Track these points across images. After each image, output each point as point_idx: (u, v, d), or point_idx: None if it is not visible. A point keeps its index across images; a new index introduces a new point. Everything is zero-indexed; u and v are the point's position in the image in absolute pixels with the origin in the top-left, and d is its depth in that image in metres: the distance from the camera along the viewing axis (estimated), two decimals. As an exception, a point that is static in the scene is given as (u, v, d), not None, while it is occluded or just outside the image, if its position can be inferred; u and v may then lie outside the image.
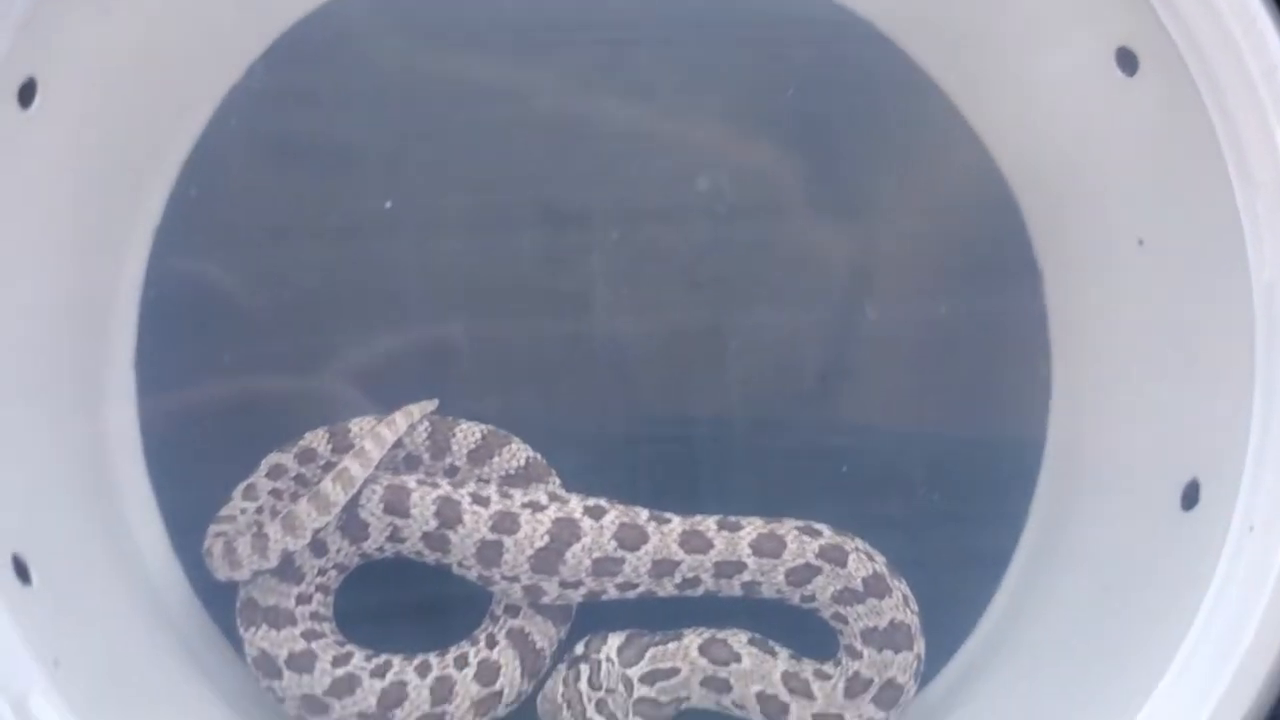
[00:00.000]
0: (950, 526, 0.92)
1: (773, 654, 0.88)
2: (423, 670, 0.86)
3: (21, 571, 0.71)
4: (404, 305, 0.91)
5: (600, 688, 0.86)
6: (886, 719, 0.88)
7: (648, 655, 0.87)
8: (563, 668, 0.87)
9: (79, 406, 0.86)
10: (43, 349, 0.80)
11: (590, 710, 0.85)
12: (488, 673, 0.86)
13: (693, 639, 0.88)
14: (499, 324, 0.92)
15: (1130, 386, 0.85)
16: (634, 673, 0.87)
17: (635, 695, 0.87)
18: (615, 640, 0.88)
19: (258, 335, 0.91)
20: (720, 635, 0.88)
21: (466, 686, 0.85)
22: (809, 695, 0.87)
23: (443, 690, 0.85)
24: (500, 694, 0.86)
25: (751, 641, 0.88)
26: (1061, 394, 0.92)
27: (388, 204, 0.90)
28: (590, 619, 0.89)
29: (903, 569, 0.88)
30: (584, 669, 0.86)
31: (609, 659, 0.87)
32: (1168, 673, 0.73)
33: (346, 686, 0.84)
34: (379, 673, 0.85)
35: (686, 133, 0.92)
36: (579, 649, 0.88)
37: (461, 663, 0.86)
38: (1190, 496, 0.78)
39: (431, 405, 0.90)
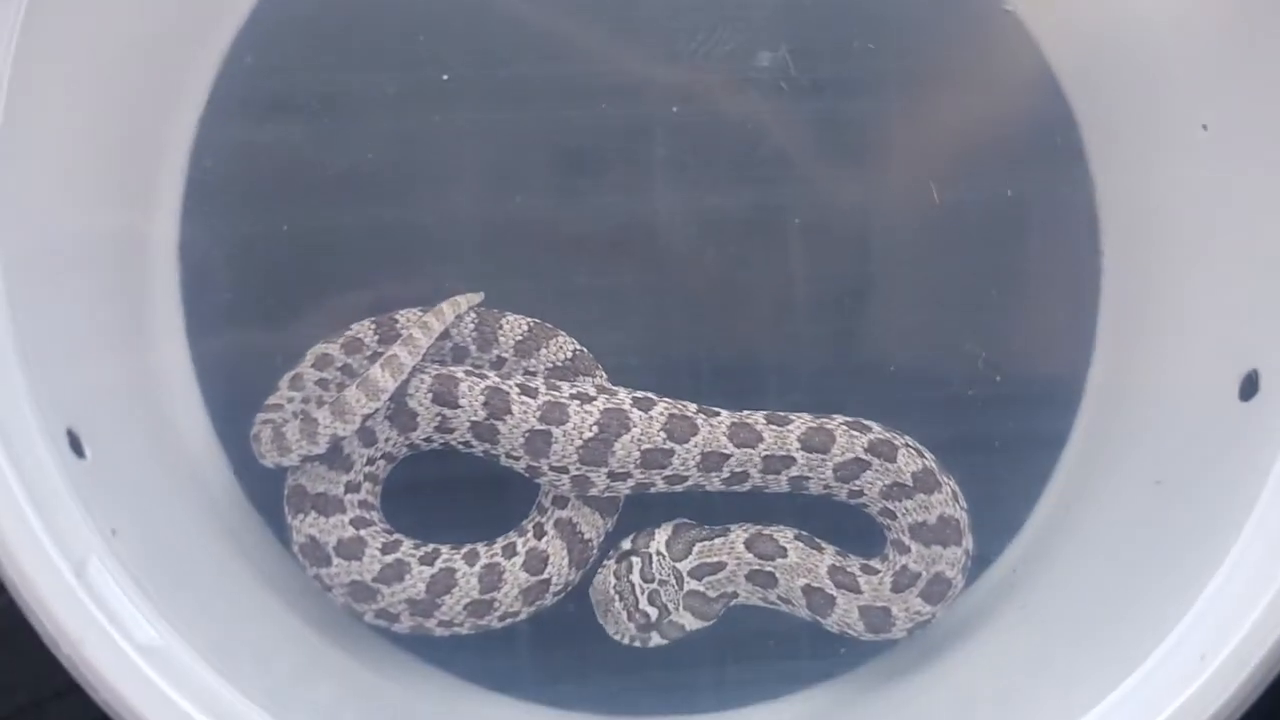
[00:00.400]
0: (1003, 415, 0.91)
1: (819, 549, 0.88)
2: (471, 558, 0.85)
3: (76, 445, 0.71)
4: (458, 181, 0.90)
5: (652, 580, 0.86)
6: (934, 613, 0.87)
7: (695, 549, 0.87)
8: (611, 562, 0.87)
9: (125, 289, 0.85)
10: (91, 224, 0.80)
11: (643, 601, 0.85)
12: (535, 562, 0.85)
13: (739, 534, 0.88)
14: (556, 201, 0.91)
15: (1188, 274, 0.84)
16: (683, 566, 0.87)
17: (686, 589, 0.87)
18: (662, 535, 0.88)
19: (307, 211, 0.90)
20: (766, 530, 0.88)
21: (515, 575, 0.85)
22: (855, 589, 0.87)
23: (491, 578, 0.85)
24: (548, 582, 0.86)
25: (798, 537, 0.88)
26: (1114, 281, 0.91)
27: (445, 76, 0.89)
28: (634, 519, 0.89)
29: (955, 461, 0.87)
30: (635, 561, 0.86)
31: (659, 551, 0.86)
32: (1222, 566, 0.72)
33: (395, 573, 0.84)
34: (428, 560, 0.85)
35: (749, 7, 0.91)
36: (626, 544, 0.87)
37: (510, 552, 0.86)
38: (1249, 387, 0.78)
39: (478, 297, 0.89)
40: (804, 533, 0.88)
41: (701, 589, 0.87)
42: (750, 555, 0.87)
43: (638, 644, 0.86)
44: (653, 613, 0.85)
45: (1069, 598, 0.85)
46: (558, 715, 0.89)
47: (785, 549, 0.87)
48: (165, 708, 0.63)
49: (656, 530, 0.88)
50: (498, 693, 0.89)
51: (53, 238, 0.75)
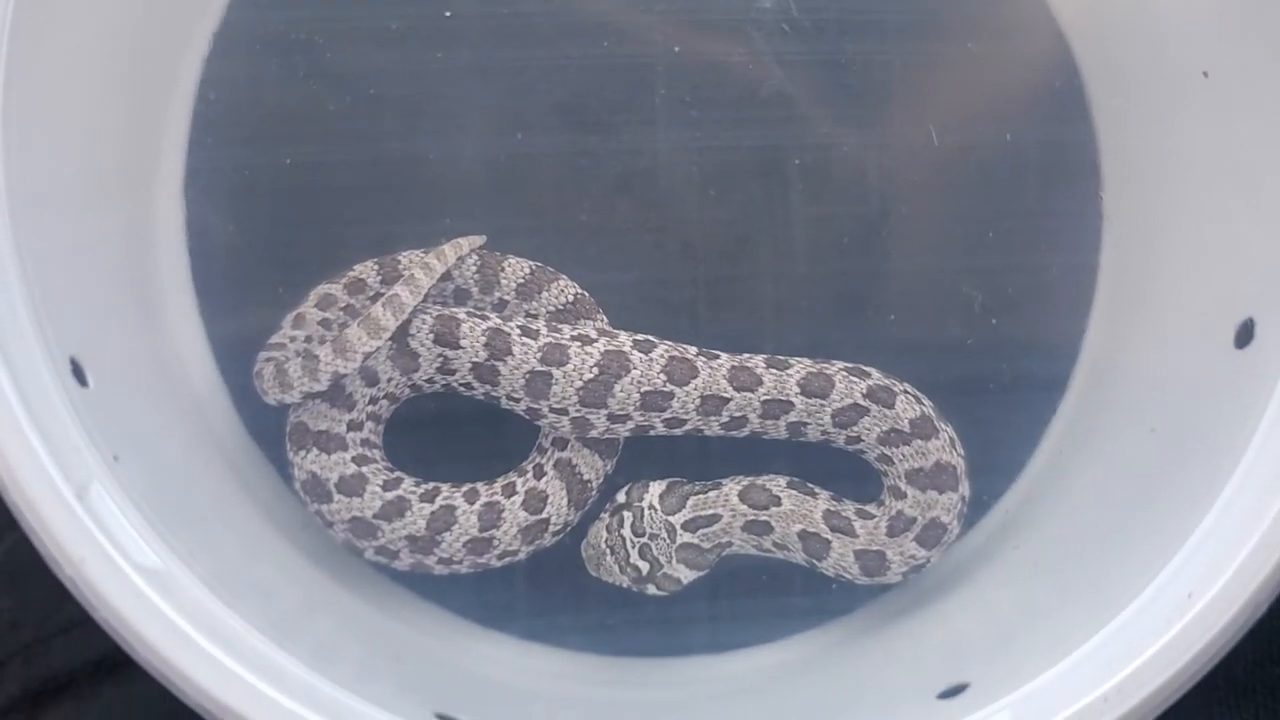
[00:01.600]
0: (1000, 360, 0.92)
1: (813, 495, 0.88)
2: (471, 497, 0.86)
3: (79, 374, 0.71)
4: (460, 118, 0.91)
5: (644, 534, 0.86)
6: (929, 558, 0.88)
7: (689, 503, 0.88)
8: (605, 515, 0.87)
9: (130, 223, 0.86)
10: (97, 155, 0.80)
11: (634, 555, 0.86)
12: (535, 501, 0.86)
13: (732, 487, 0.88)
14: (557, 140, 0.91)
15: (1187, 222, 0.85)
16: (676, 519, 0.87)
17: (679, 541, 0.87)
18: (656, 488, 0.88)
19: (310, 145, 0.90)
20: (759, 481, 0.89)
21: (514, 513, 0.86)
22: (851, 533, 0.87)
23: (491, 516, 0.86)
24: (547, 522, 0.86)
25: (790, 485, 0.89)
26: (1114, 228, 0.92)
27: (448, 13, 0.90)
28: (630, 470, 0.89)
29: (954, 405, 0.88)
30: (627, 516, 0.87)
31: (652, 506, 0.87)
32: (1211, 510, 0.73)
33: (396, 510, 0.85)
34: (428, 497, 0.86)
35: None
36: (620, 497, 0.88)
37: (509, 491, 0.87)
38: (1245, 334, 0.78)
39: (480, 240, 0.89)
40: (796, 479, 0.89)
41: (695, 541, 0.87)
42: (745, 506, 0.88)
43: (634, 590, 0.87)
44: (644, 566, 0.86)
45: (1063, 541, 0.85)
46: (554, 652, 0.89)
47: (779, 497, 0.88)
48: (165, 628, 0.64)
49: (651, 484, 0.88)
50: (495, 630, 0.90)
51: (59, 168, 0.76)
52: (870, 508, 0.89)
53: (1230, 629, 0.68)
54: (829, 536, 0.87)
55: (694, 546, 0.87)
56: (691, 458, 0.91)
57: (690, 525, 0.88)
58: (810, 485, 0.89)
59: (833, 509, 0.88)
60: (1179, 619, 0.68)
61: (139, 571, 0.65)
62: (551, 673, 0.88)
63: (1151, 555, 0.73)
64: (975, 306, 0.92)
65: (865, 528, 0.88)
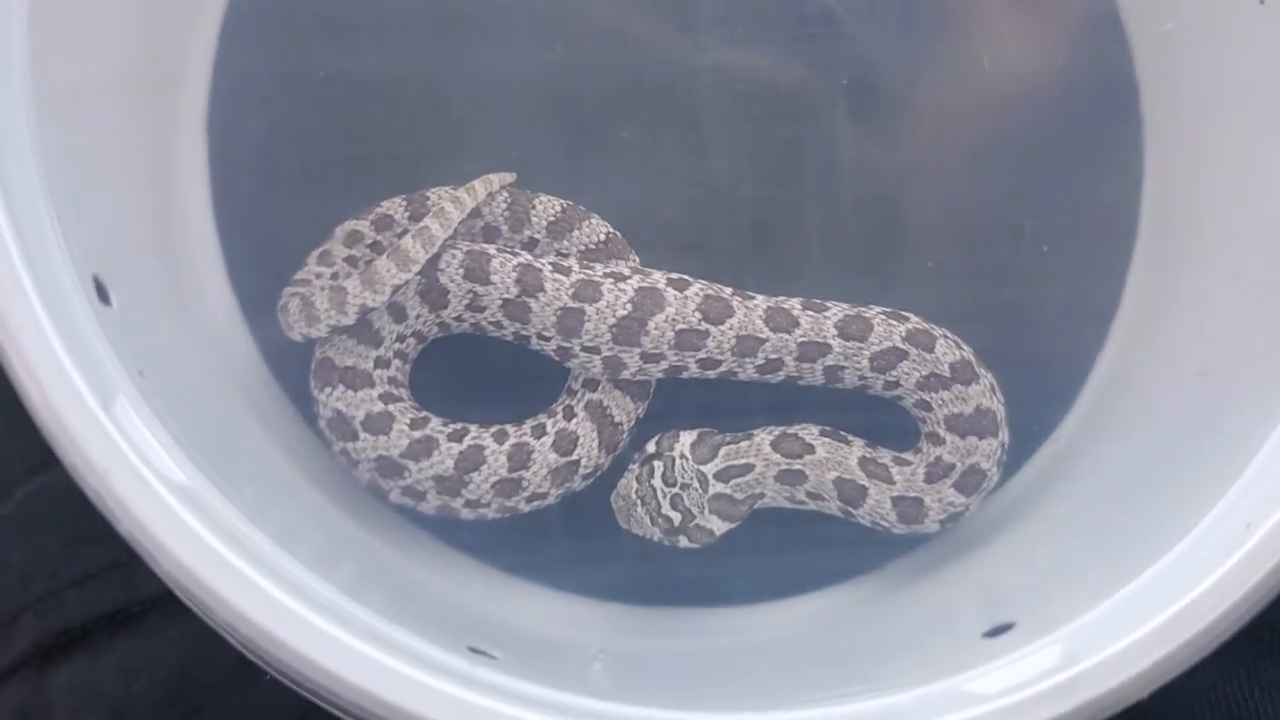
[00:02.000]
0: (1053, 284, 0.91)
1: (847, 442, 0.87)
2: (500, 437, 0.84)
3: (102, 293, 0.70)
4: (501, 31, 0.90)
5: (675, 483, 0.84)
6: (967, 505, 0.86)
7: (721, 452, 0.86)
8: (635, 466, 0.85)
9: (156, 137, 0.85)
10: (126, 69, 0.79)
11: (665, 506, 0.84)
12: (565, 443, 0.84)
13: (764, 436, 0.87)
14: (599, 55, 0.90)
15: (1231, 152, 0.83)
16: (709, 469, 0.85)
17: (711, 492, 0.85)
18: (688, 438, 0.86)
19: (345, 56, 0.89)
20: (790, 430, 0.87)
21: (544, 455, 0.84)
22: (888, 479, 0.86)
23: (520, 456, 0.84)
24: (577, 464, 0.84)
25: (823, 433, 0.87)
26: (1156, 156, 0.91)
27: None
28: (657, 425, 0.88)
29: (1003, 337, 0.88)
30: (658, 465, 0.85)
31: (683, 455, 0.85)
32: (1265, 445, 0.71)
33: (424, 449, 0.83)
34: (456, 437, 0.84)
35: None
36: (650, 447, 0.86)
37: (539, 432, 0.85)
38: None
39: (511, 177, 0.88)
40: (829, 428, 0.87)
41: (728, 491, 0.85)
42: (778, 455, 0.86)
43: (666, 543, 0.85)
44: (675, 517, 0.84)
45: (1114, 478, 0.84)
46: (584, 601, 0.87)
47: (812, 445, 0.86)
48: (190, 540, 0.62)
49: (681, 433, 0.86)
50: (522, 578, 0.87)
51: (86, 81, 0.75)
52: (907, 455, 0.87)
53: (1291, 560, 0.66)
54: (865, 483, 0.85)
55: (727, 497, 0.85)
56: (721, 412, 0.88)
57: (723, 475, 0.86)
58: (844, 433, 0.87)
59: (869, 455, 0.86)
60: (1237, 549, 0.66)
61: (164, 484, 0.62)
62: (581, 621, 0.86)
63: (1205, 490, 0.71)
64: (1024, 233, 0.90)
65: (902, 474, 0.86)
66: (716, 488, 0.85)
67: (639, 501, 0.84)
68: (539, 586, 0.88)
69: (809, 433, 0.87)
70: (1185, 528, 0.70)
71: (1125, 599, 0.68)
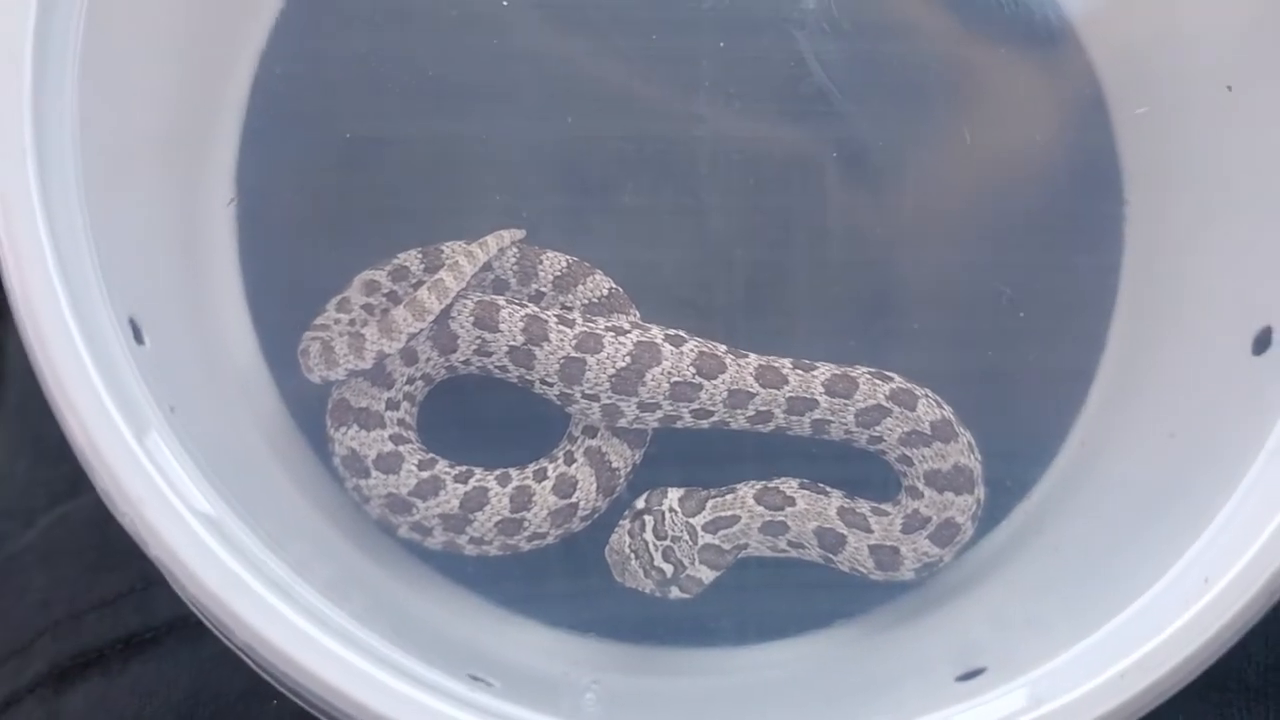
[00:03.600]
0: (1030, 350, 0.95)
1: (825, 494, 0.91)
2: (503, 480, 0.89)
3: (137, 334, 0.74)
4: (513, 101, 0.95)
5: (665, 536, 0.88)
6: (941, 556, 0.90)
7: (708, 505, 0.90)
8: (626, 521, 0.89)
9: (187, 195, 0.90)
10: (161, 126, 0.84)
11: (658, 558, 0.88)
12: (565, 486, 0.89)
13: (747, 490, 0.91)
14: (605, 125, 0.95)
15: (1207, 228, 0.88)
16: (697, 521, 0.89)
17: (700, 543, 0.89)
18: (675, 494, 0.90)
19: (367, 122, 0.94)
20: (772, 485, 0.91)
21: (545, 497, 0.88)
22: (866, 528, 0.90)
23: (522, 498, 0.88)
24: (576, 506, 0.89)
25: (802, 486, 0.91)
26: (1136, 231, 0.95)
27: (505, 2, 0.94)
28: (646, 482, 0.92)
29: (984, 396, 0.92)
30: (648, 520, 0.89)
31: (672, 509, 0.89)
32: (1228, 503, 0.75)
33: (431, 488, 0.87)
34: (461, 479, 0.88)
35: None
36: (639, 503, 0.90)
37: (540, 476, 0.89)
38: (1262, 342, 0.81)
39: (521, 233, 0.93)
40: (808, 481, 0.91)
41: (716, 541, 0.89)
42: (761, 508, 0.90)
43: (658, 595, 0.89)
44: (668, 569, 0.88)
45: (1084, 533, 0.88)
46: (577, 638, 0.91)
47: (793, 498, 0.90)
48: (214, 565, 0.66)
49: (669, 490, 0.90)
50: (520, 614, 0.91)
51: (129, 133, 0.80)
52: (886, 506, 0.91)
53: (1246, 613, 0.70)
54: (844, 531, 0.90)
55: (715, 547, 0.89)
56: (711, 459, 0.93)
57: (711, 527, 0.90)
58: (822, 485, 0.91)
59: (847, 506, 0.90)
60: (1195, 602, 0.70)
61: (192, 513, 0.67)
62: (574, 656, 0.90)
63: (1170, 546, 0.75)
64: (1003, 300, 0.95)
65: (880, 524, 0.90)
66: (705, 539, 0.90)
67: (632, 555, 0.88)
68: (535, 622, 0.91)
69: (789, 486, 0.91)
70: (1148, 582, 0.74)
71: (1090, 646, 0.72)
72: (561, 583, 0.92)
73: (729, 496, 0.90)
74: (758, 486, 0.91)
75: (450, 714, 0.65)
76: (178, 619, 0.92)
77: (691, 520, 0.89)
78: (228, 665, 0.88)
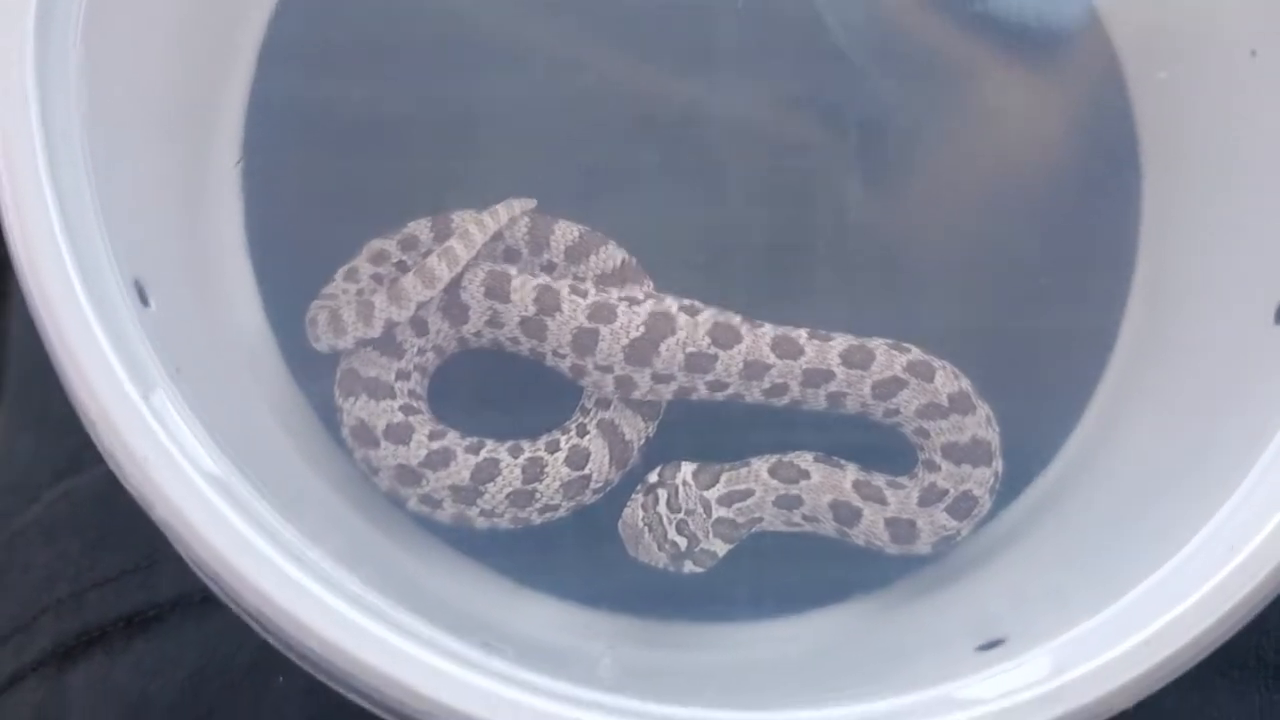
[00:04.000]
0: (1051, 315, 0.94)
1: (840, 467, 0.90)
2: (515, 451, 0.87)
3: (142, 295, 0.73)
4: (528, 59, 0.94)
5: (679, 510, 0.87)
6: (959, 529, 0.89)
7: (722, 479, 0.89)
8: (639, 495, 0.88)
9: (192, 153, 0.89)
10: (168, 83, 0.83)
11: (671, 532, 0.87)
12: (578, 458, 0.87)
13: (761, 464, 0.90)
14: (622, 82, 0.94)
15: (1227, 198, 0.86)
16: (711, 495, 0.88)
17: (714, 516, 0.88)
18: (689, 467, 0.89)
19: (375, 84, 0.93)
20: (786, 458, 0.90)
21: (557, 468, 0.87)
22: (882, 501, 0.89)
23: (534, 470, 0.87)
24: (589, 478, 0.87)
25: (817, 459, 0.90)
26: (1154, 203, 0.94)
27: None
28: (658, 457, 0.91)
29: (1003, 363, 0.91)
30: (662, 493, 0.88)
31: (685, 483, 0.88)
32: (1250, 473, 0.74)
33: (441, 459, 0.86)
34: (473, 450, 0.87)
35: None
36: (653, 477, 0.89)
37: (553, 447, 0.88)
38: (1284, 313, 0.80)
39: (531, 203, 0.92)
40: (822, 454, 0.90)
41: (730, 515, 0.88)
42: (775, 481, 0.89)
43: (672, 570, 0.88)
44: (682, 542, 0.87)
45: (1105, 504, 0.86)
46: (589, 611, 0.90)
47: (808, 471, 0.89)
48: (221, 525, 0.65)
49: (683, 463, 0.89)
50: (531, 586, 0.90)
51: (136, 94, 0.79)
52: (902, 479, 0.90)
53: (1269, 583, 0.69)
54: (859, 504, 0.88)
55: (729, 521, 0.88)
56: (727, 430, 0.92)
57: (725, 500, 0.89)
58: (836, 458, 0.90)
59: (862, 479, 0.89)
60: (1220, 570, 0.69)
61: (198, 472, 0.66)
62: (588, 629, 0.89)
63: (1191, 516, 0.74)
64: (1025, 268, 0.94)
65: (896, 496, 0.89)
66: (719, 512, 0.88)
67: (646, 529, 0.87)
68: (548, 595, 0.90)
69: (803, 459, 0.90)
70: (1171, 551, 0.73)
71: (1111, 616, 0.71)
72: (574, 555, 0.91)
73: (743, 470, 0.89)
74: (772, 460, 0.90)
75: (465, 677, 0.64)
76: (182, 596, 0.91)
77: (705, 494, 0.88)
78: (233, 642, 0.88)
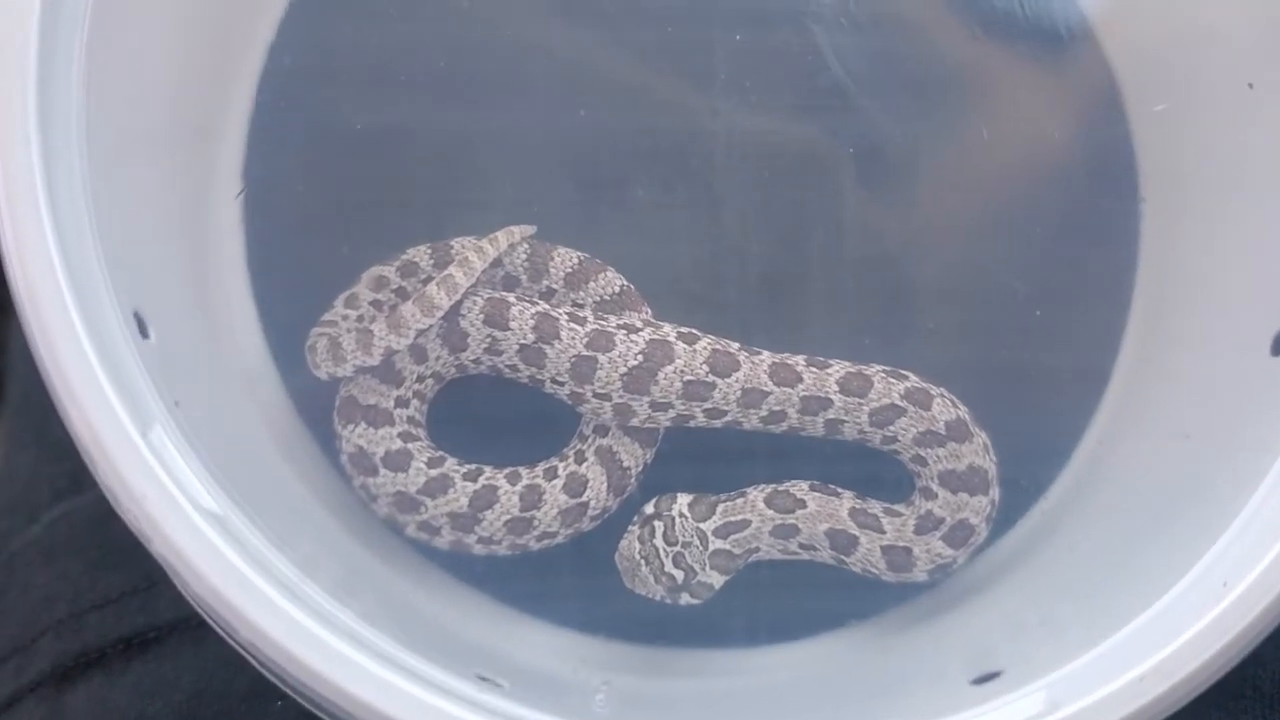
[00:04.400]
0: (1045, 348, 0.94)
1: (836, 495, 0.90)
2: (513, 478, 0.88)
3: (142, 328, 0.73)
4: (525, 93, 0.94)
5: (676, 542, 0.87)
6: (955, 558, 0.89)
7: (718, 510, 0.89)
8: (635, 527, 0.88)
9: (192, 185, 0.89)
10: (168, 118, 0.83)
11: (668, 564, 0.87)
12: (575, 485, 0.88)
13: (757, 494, 0.90)
14: (619, 118, 0.94)
15: (1228, 229, 0.86)
16: (707, 526, 0.88)
17: (710, 548, 0.88)
18: (685, 499, 0.89)
19: (377, 113, 0.93)
20: (782, 488, 0.90)
21: (555, 496, 0.87)
22: (879, 529, 0.89)
23: (532, 497, 0.87)
24: (586, 505, 0.88)
25: (813, 488, 0.90)
26: (1153, 232, 0.94)
27: None
28: (654, 488, 0.91)
29: (1000, 394, 0.91)
30: (658, 525, 0.88)
31: (682, 514, 0.88)
32: (1246, 507, 0.74)
33: (440, 486, 0.86)
34: (471, 477, 0.87)
35: None
36: (649, 509, 0.89)
37: (551, 474, 0.88)
38: (1281, 342, 0.80)
39: (531, 229, 0.92)
40: (818, 483, 0.90)
41: (726, 546, 0.88)
42: (771, 511, 0.89)
43: (668, 602, 0.88)
44: (679, 575, 0.87)
45: (1101, 537, 0.87)
46: (586, 639, 0.90)
47: (804, 500, 0.89)
48: (218, 562, 0.65)
49: (678, 495, 0.89)
50: (529, 614, 0.90)
51: (136, 124, 0.79)
52: (899, 507, 0.90)
53: (1265, 617, 0.69)
54: (856, 532, 0.89)
55: (726, 552, 0.88)
56: (724, 458, 0.92)
57: (721, 531, 0.89)
58: (832, 486, 0.90)
59: (859, 507, 0.89)
60: (1214, 606, 0.69)
61: (196, 509, 0.66)
62: (584, 657, 0.89)
63: (1187, 549, 0.74)
64: (1019, 297, 0.94)
65: (893, 524, 0.89)
66: (716, 544, 0.88)
67: (642, 561, 0.87)
68: (544, 622, 0.90)
69: (799, 488, 0.90)
70: (1166, 585, 0.73)
71: (1107, 650, 0.71)
72: (571, 582, 0.91)
73: (739, 500, 0.89)
74: (768, 490, 0.90)
75: (458, 715, 0.64)
76: (181, 619, 0.91)
77: (702, 525, 0.88)
78: (231, 666, 0.88)
